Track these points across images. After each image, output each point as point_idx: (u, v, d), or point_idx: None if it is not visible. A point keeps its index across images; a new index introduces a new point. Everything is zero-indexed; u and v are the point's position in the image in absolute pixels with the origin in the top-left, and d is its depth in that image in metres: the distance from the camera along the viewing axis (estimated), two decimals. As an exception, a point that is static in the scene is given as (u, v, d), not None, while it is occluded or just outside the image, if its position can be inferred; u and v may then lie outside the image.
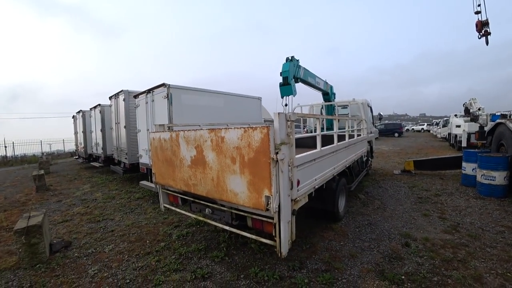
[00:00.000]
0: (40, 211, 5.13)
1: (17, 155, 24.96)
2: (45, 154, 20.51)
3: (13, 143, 26.59)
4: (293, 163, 2.88)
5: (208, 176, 3.30)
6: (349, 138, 5.91)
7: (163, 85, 6.88)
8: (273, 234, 2.84)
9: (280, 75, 5.67)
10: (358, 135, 7.09)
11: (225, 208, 3.46)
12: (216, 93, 7.82)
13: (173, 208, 4.54)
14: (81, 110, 14.99)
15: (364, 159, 8.36)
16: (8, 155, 24.55)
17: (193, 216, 4.13)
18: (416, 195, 7.33)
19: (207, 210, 3.73)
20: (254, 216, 3.04)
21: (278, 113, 2.63)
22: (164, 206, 4.74)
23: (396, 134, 34.50)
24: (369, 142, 9.84)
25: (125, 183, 10.48)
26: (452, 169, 9.91)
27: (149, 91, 7.51)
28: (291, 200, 2.92)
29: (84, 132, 14.61)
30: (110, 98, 10.68)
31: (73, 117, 16.95)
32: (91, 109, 13.47)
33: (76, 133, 16.76)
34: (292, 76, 5.73)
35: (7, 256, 4.63)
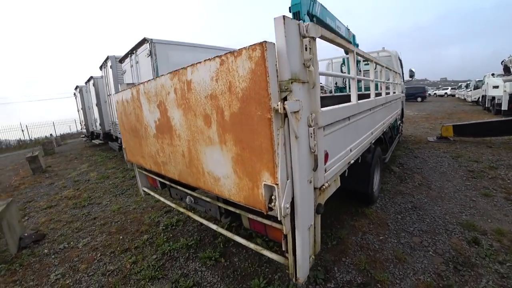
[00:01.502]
0: (3, 201, 4.20)
1: (32, 138, 25.05)
2: (52, 135, 20.13)
3: (26, 127, 26.69)
4: (317, 121, 1.58)
5: (177, 149, 2.09)
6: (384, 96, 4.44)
7: (144, 41, 5.53)
8: (284, 249, 1.63)
9: (289, 11, 4.15)
10: (393, 93, 5.57)
11: (208, 199, 2.28)
12: (213, 49, 6.38)
13: (153, 194, 3.43)
14: (77, 86, 13.97)
15: (398, 122, 6.87)
16: (25, 138, 24.68)
17: (173, 205, 3.00)
18: (464, 167, 5.85)
19: (188, 198, 2.57)
20: (251, 216, 1.84)
21: (283, 17, 1.30)
22: (143, 191, 3.65)
23: (419, 99, 31.82)
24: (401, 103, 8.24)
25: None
26: (499, 135, 8.21)
27: (131, 51, 6.21)
28: (314, 189, 1.67)
29: (83, 108, 13.71)
30: (100, 68, 9.49)
31: (74, 94, 16.06)
32: (85, 83, 12.41)
33: (78, 110, 15.95)
34: (306, 11, 4.20)
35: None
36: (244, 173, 1.49)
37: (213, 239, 3.52)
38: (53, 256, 3.61)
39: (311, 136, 1.51)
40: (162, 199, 3.20)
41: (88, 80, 11.60)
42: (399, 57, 8.30)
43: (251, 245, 1.87)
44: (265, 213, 1.45)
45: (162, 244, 3.46)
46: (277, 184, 1.34)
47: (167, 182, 2.85)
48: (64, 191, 6.68)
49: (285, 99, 1.35)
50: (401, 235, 3.31)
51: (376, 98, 3.37)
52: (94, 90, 10.92)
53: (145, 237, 3.73)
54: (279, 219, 1.40)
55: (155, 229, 3.94)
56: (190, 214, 2.66)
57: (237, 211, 1.95)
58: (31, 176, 8.94)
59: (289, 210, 1.39)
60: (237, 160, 1.52)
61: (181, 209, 2.79)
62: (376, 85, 4.41)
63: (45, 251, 3.78)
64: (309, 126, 1.51)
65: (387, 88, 5.01)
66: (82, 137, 16.75)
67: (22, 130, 26.58)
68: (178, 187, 2.63)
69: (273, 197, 1.40)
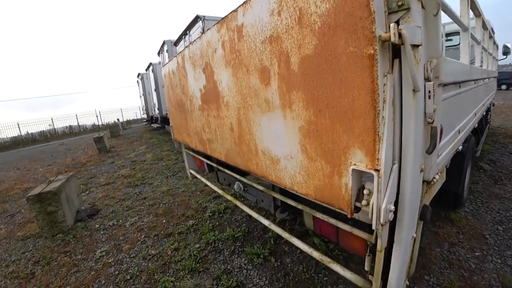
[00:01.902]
0: (65, 176, 4.41)
1: (104, 123, 28.21)
2: (119, 120, 22.20)
3: (99, 112, 30.08)
4: (439, 73, 0.98)
5: (224, 122, 1.67)
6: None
7: (197, 18, 5.28)
8: (367, 268, 1.10)
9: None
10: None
11: (260, 187, 1.83)
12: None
13: (199, 177, 3.15)
14: (139, 73, 14.85)
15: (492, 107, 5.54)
16: (98, 123, 27.94)
17: (220, 192, 2.65)
18: None
19: (236, 184, 2.16)
20: (320, 216, 1.33)
21: None
22: (191, 173, 3.39)
23: (504, 87, 25.91)
24: None
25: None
26: None
27: (185, 32, 6.05)
28: (423, 182, 1.09)
29: (144, 94, 14.55)
30: (158, 53, 9.75)
31: (137, 82, 17.21)
32: (146, 70, 13.05)
33: (140, 96, 17.09)
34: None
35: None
36: (318, 151, 0.98)
37: (263, 232, 3.11)
38: (102, 232, 3.65)
39: (429, 96, 0.92)
40: (209, 183, 2.88)
41: (148, 67, 12.15)
42: (492, 29, 6.69)
43: (315, 254, 1.37)
44: (349, 216, 0.93)
45: (207, 233, 3.18)
46: (377, 171, 0.80)
47: (214, 165, 2.49)
48: (122, 170, 7.03)
49: (397, 23, 0.80)
50: (506, 253, 2.46)
51: (483, 68, 2.50)
52: (153, 76, 11.38)
53: (190, 222, 3.50)
54: (374, 227, 0.87)
55: (201, 215, 3.70)
56: (238, 203, 2.26)
57: (299, 206, 1.46)
58: (97, 155, 9.77)
59: (392, 214, 0.85)
60: (308, 132, 1.01)
61: (229, 197, 2.41)
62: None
63: (96, 226, 3.86)
64: (426, 79, 0.93)
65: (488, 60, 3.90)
66: (144, 121, 17.99)
67: (96, 116, 30.07)
68: (226, 171, 2.24)
69: (365, 192, 0.87)
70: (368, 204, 0.87)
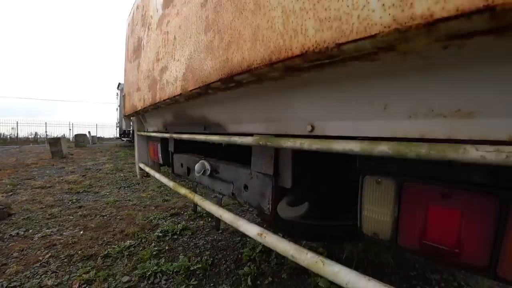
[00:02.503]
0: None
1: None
2: (90, 133, 20.50)
3: (72, 124, 28.34)
4: None
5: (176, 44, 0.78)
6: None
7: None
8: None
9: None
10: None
11: (245, 140, 0.89)
12: None
13: (149, 171, 2.13)
14: (119, 83, 13.87)
15: None
16: (70, 136, 26.02)
17: (171, 184, 1.60)
18: None
19: (198, 165, 1.19)
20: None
21: None
22: (139, 168, 2.37)
23: None
24: None
25: None
26: None
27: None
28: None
29: (120, 106, 13.46)
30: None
31: (116, 94, 16.18)
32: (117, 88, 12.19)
33: (116, 109, 15.92)
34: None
35: None
36: None
37: (235, 266, 2.05)
38: (-5, 245, 2.41)
39: None
40: (157, 175, 1.85)
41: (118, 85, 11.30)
42: None
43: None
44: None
45: (147, 260, 2.06)
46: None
47: (175, 135, 1.51)
48: (69, 176, 5.73)
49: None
50: None
51: None
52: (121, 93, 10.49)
53: (128, 243, 2.37)
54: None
55: (147, 235, 2.58)
56: (197, 199, 1.26)
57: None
58: (48, 159, 8.34)
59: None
60: None
61: (183, 191, 1.39)
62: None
63: (-6, 235, 2.61)
64: None
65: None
66: (116, 137, 16.58)
67: (69, 129, 28.20)
68: (184, 136, 1.28)
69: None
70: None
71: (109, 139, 27.04)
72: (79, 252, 2.20)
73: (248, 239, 2.47)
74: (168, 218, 3.08)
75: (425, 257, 0.57)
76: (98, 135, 26.57)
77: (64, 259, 2.11)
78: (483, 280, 1.86)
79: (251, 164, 1.03)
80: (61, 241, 2.45)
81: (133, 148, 9.69)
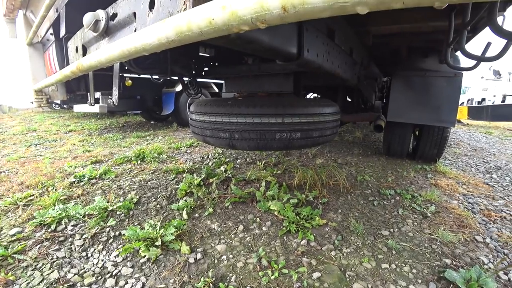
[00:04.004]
0: None
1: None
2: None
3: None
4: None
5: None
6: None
7: None
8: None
9: None
10: None
11: None
12: None
13: (45, 83, 1.61)
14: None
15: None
16: None
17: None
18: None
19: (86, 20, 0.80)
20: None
21: None
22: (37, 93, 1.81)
23: None
24: None
25: (84, 119, 7.43)
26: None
27: None
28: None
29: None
30: None
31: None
32: None
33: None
34: None
35: None
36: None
37: (168, 202, 1.75)
38: None
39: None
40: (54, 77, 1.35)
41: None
42: None
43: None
44: None
45: (50, 207, 1.63)
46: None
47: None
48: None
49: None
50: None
51: None
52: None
53: (26, 193, 1.87)
54: None
55: (56, 184, 2.09)
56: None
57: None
58: None
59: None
60: None
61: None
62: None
63: None
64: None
65: None
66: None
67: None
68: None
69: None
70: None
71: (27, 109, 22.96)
72: (-49, 211, 1.66)
73: (184, 176, 2.18)
74: (88, 166, 2.58)
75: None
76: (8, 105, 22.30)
77: None
78: (433, 190, 1.91)
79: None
80: None
81: (63, 112, 8.20)
